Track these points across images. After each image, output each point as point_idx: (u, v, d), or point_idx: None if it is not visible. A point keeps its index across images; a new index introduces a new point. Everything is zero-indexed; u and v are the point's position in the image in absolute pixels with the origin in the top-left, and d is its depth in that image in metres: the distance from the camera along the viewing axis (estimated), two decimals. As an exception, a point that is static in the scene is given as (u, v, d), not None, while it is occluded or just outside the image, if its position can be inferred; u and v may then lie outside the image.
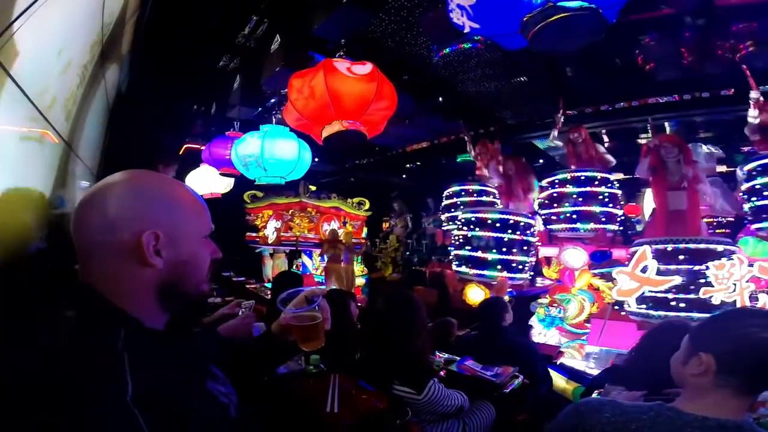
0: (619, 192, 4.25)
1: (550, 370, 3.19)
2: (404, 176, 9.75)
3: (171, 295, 0.71)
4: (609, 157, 4.47)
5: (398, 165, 8.92)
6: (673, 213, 3.48)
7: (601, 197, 4.10)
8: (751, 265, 2.89)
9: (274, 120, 4.00)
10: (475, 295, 4.11)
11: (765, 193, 3.41)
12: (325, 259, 6.79)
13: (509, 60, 4.51)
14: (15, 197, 1.31)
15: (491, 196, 5.48)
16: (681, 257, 2.87)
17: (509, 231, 4.05)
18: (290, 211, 6.80)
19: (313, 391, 1.42)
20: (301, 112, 2.60)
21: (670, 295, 2.85)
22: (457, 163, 8.52)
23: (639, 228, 6.81)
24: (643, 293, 2.97)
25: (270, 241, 6.92)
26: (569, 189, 4.20)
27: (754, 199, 3.50)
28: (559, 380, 3.06)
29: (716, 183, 4.19)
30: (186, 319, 0.79)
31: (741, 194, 3.68)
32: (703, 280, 2.78)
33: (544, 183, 4.54)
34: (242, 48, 4.66)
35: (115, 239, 0.65)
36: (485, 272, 4.09)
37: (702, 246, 2.87)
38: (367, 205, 7.38)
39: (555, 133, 4.81)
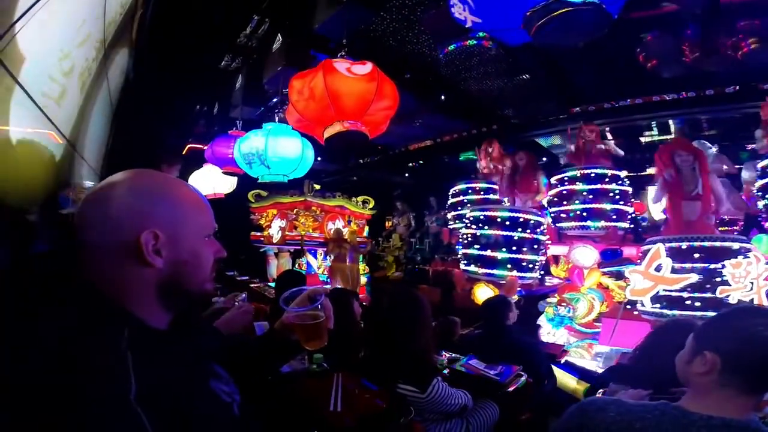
0: (630, 189, 4.18)
1: (559, 370, 3.18)
2: (407, 175, 9.75)
3: (173, 294, 0.71)
4: (618, 149, 4.41)
5: (401, 164, 8.91)
6: (687, 223, 3.40)
7: (611, 194, 4.04)
8: (767, 263, 2.83)
9: (276, 119, 4.00)
10: (483, 294, 4.06)
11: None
12: (328, 258, 6.80)
13: (512, 58, 4.49)
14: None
15: (498, 194, 5.45)
16: (696, 255, 2.82)
17: (519, 229, 3.98)
18: (295, 210, 6.80)
19: (316, 390, 1.42)
20: (301, 113, 2.59)
21: (685, 294, 2.81)
22: (460, 162, 8.51)
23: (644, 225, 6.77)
24: (658, 292, 2.92)
25: (275, 241, 6.91)
26: (579, 186, 4.13)
27: (768, 196, 3.44)
28: (569, 380, 3.03)
29: (724, 184, 4.17)
30: (189, 318, 0.79)
31: (756, 192, 3.61)
32: (719, 279, 2.74)
33: (552, 180, 4.47)
34: (244, 47, 4.67)
35: (116, 238, 0.65)
36: (495, 271, 4.02)
37: (717, 244, 2.82)
38: (372, 204, 7.37)
39: (572, 147, 4.69)
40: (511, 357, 2.26)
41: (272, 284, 6.54)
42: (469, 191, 5.69)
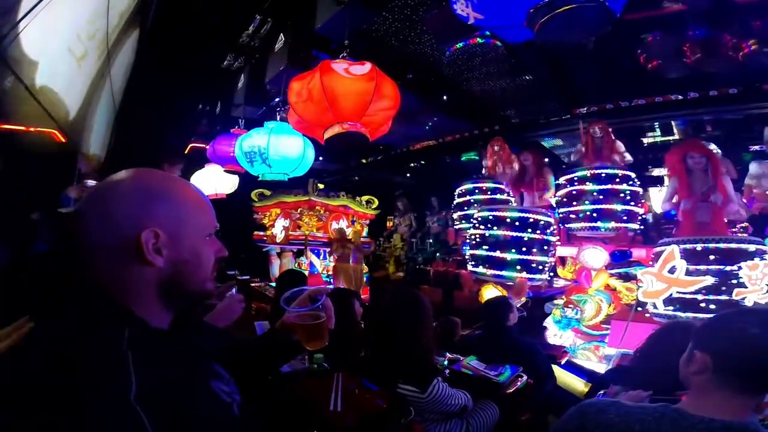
0: (641, 190, 4.09)
1: (567, 372, 3.17)
2: (408, 175, 9.75)
3: (174, 294, 0.70)
4: (628, 155, 4.34)
5: (402, 164, 8.92)
6: (699, 225, 3.35)
7: (622, 195, 3.95)
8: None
9: (278, 117, 4.00)
10: (491, 296, 3.92)
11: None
12: (328, 257, 6.78)
13: (514, 58, 4.48)
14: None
15: (506, 194, 5.37)
16: (711, 257, 2.77)
17: (529, 230, 3.91)
18: (299, 210, 6.76)
19: (316, 390, 1.42)
20: (301, 115, 2.58)
21: (699, 297, 2.76)
22: (462, 162, 8.51)
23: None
24: (671, 294, 2.88)
25: (278, 240, 6.88)
26: (589, 186, 4.04)
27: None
28: (577, 383, 3.01)
29: None
30: (190, 318, 0.79)
31: None
32: (735, 281, 2.69)
33: (561, 180, 4.39)
34: (246, 47, 4.68)
35: (116, 237, 0.65)
36: (503, 273, 3.94)
37: (733, 245, 2.77)
38: (376, 204, 7.34)
39: (582, 148, 4.62)
40: (511, 358, 2.26)
41: (274, 284, 6.54)
42: (476, 191, 5.59)
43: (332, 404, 1.33)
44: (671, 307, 2.88)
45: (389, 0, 3.57)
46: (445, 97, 5.59)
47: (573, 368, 3.34)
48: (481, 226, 4.16)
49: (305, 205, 6.71)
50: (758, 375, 0.85)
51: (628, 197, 3.98)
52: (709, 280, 2.74)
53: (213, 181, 5.37)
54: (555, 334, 4.00)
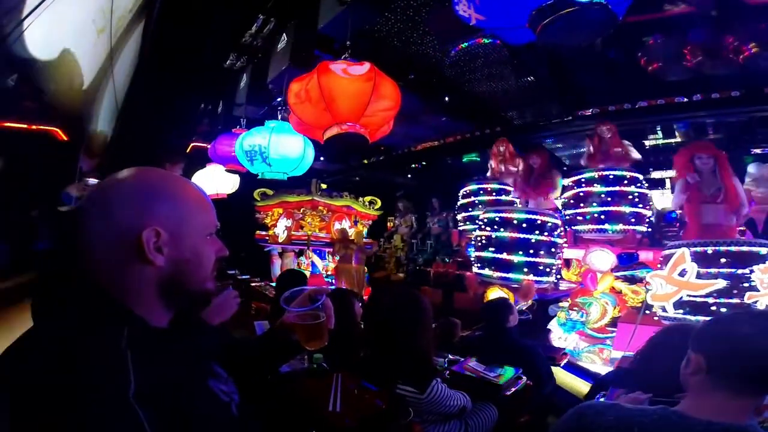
0: (649, 192, 4.07)
1: (572, 375, 3.16)
2: (409, 176, 9.75)
3: (174, 293, 0.70)
4: (635, 152, 4.29)
5: (403, 164, 8.92)
6: (706, 227, 3.32)
7: (630, 197, 3.93)
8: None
9: (279, 117, 4.00)
10: None
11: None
12: (328, 257, 6.77)
13: (516, 59, 4.48)
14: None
15: (511, 195, 5.34)
16: (723, 260, 2.75)
17: (536, 231, 3.87)
18: (301, 210, 6.75)
19: (315, 390, 1.42)
20: (300, 116, 2.58)
21: (710, 300, 2.74)
22: (463, 163, 8.51)
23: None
24: (681, 298, 2.86)
25: (280, 240, 6.87)
26: (597, 188, 4.01)
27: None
28: (580, 385, 3.00)
29: None
30: (189, 317, 0.79)
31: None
32: (746, 285, 2.67)
33: (568, 182, 4.37)
34: (249, 47, 4.68)
35: (117, 236, 0.65)
36: (510, 275, 3.91)
37: (745, 249, 2.75)
38: (379, 204, 7.33)
39: (591, 149, 4.52)
40: (511, 359, 2.26)
41: (274, 284, 6.54)
42: (481, 192, 5.57)
43: (331, 404, 1.33)
44: (681, 311, 2.87)
45: (392, 0, 3.57)
46: (447, 98, 5.58)
47: (576, 370, 3.34)
48: (487, 228, 4.12)
49: (308, 205, 6.70)
50: (751, 375, 0.85)
51: (637, 199, 3.94)
52: (721, 284, 2.71)
53: (214, 181, 5.38)
54: (559, 337, 3.99)
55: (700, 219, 3.38)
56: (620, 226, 3.93)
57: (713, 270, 2.77)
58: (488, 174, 5.66)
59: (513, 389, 2.04)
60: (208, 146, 5.04)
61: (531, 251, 3.85)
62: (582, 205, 4.10)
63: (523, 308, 4.14)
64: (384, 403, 1.43)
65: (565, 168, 7.14)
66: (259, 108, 5.09)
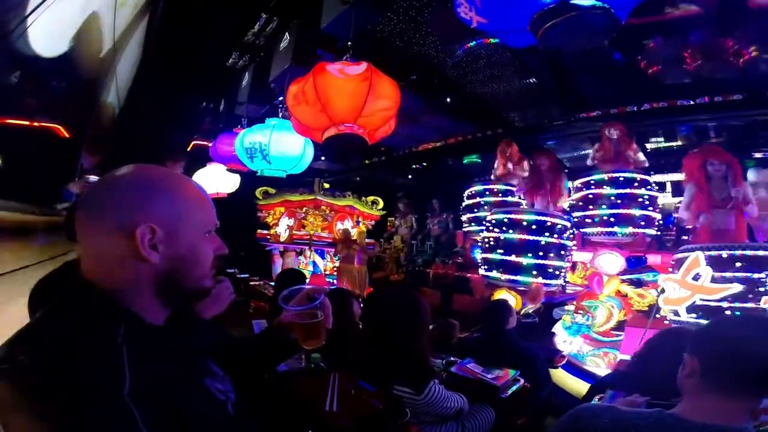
0: (659, 195, 4.02)
1: (578, 379, 3.15)
2: (410, 176, 9.75)
3: (171, 291, 0.70)
4: (643, 157, 4.24)
5: (404, 165, 8.92)
6: (717, 232, 3.31)
7: (640, 200, 3.86)
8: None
9: (280, 115, 4.01)
10: None
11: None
12: (326, 257, 6.76)
13: (519, 61, 4.48)
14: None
15: (517, 197, 5.29)
16: (738, 264, 2.73)
17: (546, 233, 3.80)
18: (304, 209, 6.72)
19: (312, 389, 1.43)
20: (298, 118, 2.57)
21: (725, 304, 2.72)
22: (464, 165, 8.50)
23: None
24: (694, 302, 2.84)
25: (282, 239, 6.84)
26: (606, 190, 3.94)
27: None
28: (584, 389, 3.00)
29: None
30: (185, 315, 0.79)
31: None
32: (762, 289, 2.65)
33: (577, 183, 4.30)
34: (252, 45, 4.69)
35: (113, 232, 0.65)
36: (519, 278, 3.84)
37: (761, 253, 2.73)
38: (381, 204, 7.30)
39: (598, 153, 4.46)
40: (509, 361, 2.26)
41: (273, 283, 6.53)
42: (487, 193, 5.49)
43: (328, 404, 1.34)
44: (694, 315, 2.84)
45: (394, 0, 3.57)
46: (448, 99, 5.58)
47: (578, 372, 3.33)
48: (495, 229, 4.05)
49: (310, 204, 6.67)
50: (745, 377, 0.86)
51: (647, 202, 3.88)
52: (736, 288, 2.69)
53: (215, 180, 5.38)
54: (564, 340, 3.95)
55: (711, 224, 3.35)
56: (630, 229, 3.87)
57: (728, 274, 2.74)
58: (493, 176, 5.58)
59: (510, 391, 2.04)
60: (210, 144, 5.05)
61: (540, 253, 3.79)
62: (591, 207, 4.03)
63: (530, 311, 4.12)
64: (381, 403, 1.43)
65: (566, 170, 7.13)
66: (260, 107, 5.10)
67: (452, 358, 2.34)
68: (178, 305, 0.75)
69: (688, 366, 0.92)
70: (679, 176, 4.24)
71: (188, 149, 5.98)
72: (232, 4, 3.93)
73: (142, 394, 0.56)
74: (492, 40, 4.16)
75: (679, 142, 6.11)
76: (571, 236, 4.08)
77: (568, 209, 4.50)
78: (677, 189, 5.83)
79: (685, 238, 5.33)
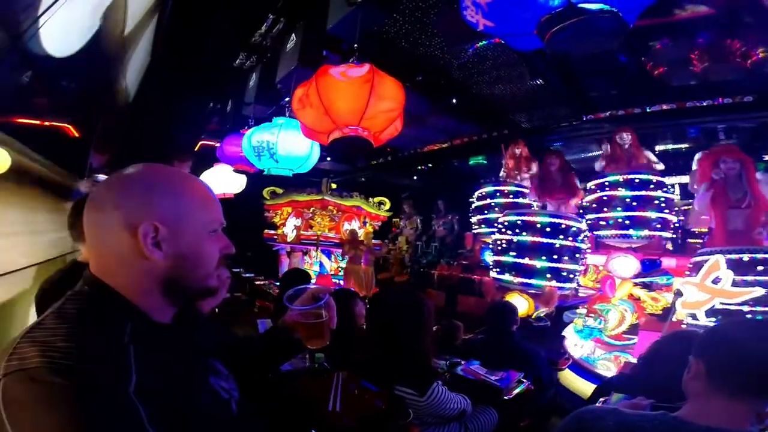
0: (675, 197, 4.00)
1: (583, 380, 3.12)
2: (415, 177, 9.74)
3: (175, 289, 0.70)
4: (657, 161, 4.15)
5: (409, 166, 8.91)
6: (733, 233, 3.25)
7: (656, 202, 3.79)
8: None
9: (287, 114, 4.03)
10: (517, 305, 3.69)
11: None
12: (331, 257, 6.76)
13: (525, 62, 4.46)
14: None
15: (528, 198, 5.19)
16: (759, 268, 2.70)
17: (560, 236, 3.74)
18: (311, 209, 6.72)
19: (315, 389, 1.43)
20: (303, 121, 2.59)
21: (745, 308, 2.70)
22: (470, 166, 8.48)
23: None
24: (714, 306, 2.81)
25: (289, 239, 6.84)
26: (621, 192, 3.87)
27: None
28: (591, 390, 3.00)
29: None
30: (190, 313, 0.79)
31: None
32: None
33: (590, 185, 4.22)
34: (259, 46, 4.72)
35: (118, 230, 0.66)
36: (532, 281, 3.79)
37: None
38: (388, 205, 7.29)
39: (603, 163, 4.39)
40: (513, 363, 2.25)
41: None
42: (497, 194, 5.43)
43: (331, 404, 1.34)
44: (713, 319, 2.81)
45: (400, 2, 3.57)
46: (454, 100, 5.56)
47: (589, 375, 3.31)
48: (508, 231, 3.99)
49: (318, 205, 6.66)
50: (750, 380, 0.85)
51: (663, 204, 3.80)
52: (759, 291, 2.65)
53: (221, 181, 5.42)
54: (575, 344, 3.92)
55: (725, 224, 3.30)
56: (645, 232, 3.79)
57: (749, 278, 2.71)
58: (501, 173, 5.51)
59: (514, 393, 2.03)
60: (217, 145, 5.08)
61: (554, 256, 3.73)
62: (605, 209, 3.95)
63: (542, 315, 4.09)
64: (383, 403, 1.43)
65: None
66: (267, 107, 5.12)
67: (456, 360, 2.34)
68: (184, 304, 0.75)
69: (694, 369, 0.92)
70: (687, 179, 4.16)
71: (195, 149, 6.02)
72: (240, 5, 3.96)
73: (148, 391, 0.57)
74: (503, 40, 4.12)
75: (687, 144, 6.05)
76: (585, 239, 4.02)
77: (581, 211, 4.42)
78: (685, 191, 5.77)
79: (691, 241, 5.28)
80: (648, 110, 5.11)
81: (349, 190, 7.28)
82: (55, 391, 0.52)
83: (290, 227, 6.95)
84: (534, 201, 5.01)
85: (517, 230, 3.92)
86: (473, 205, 5.79)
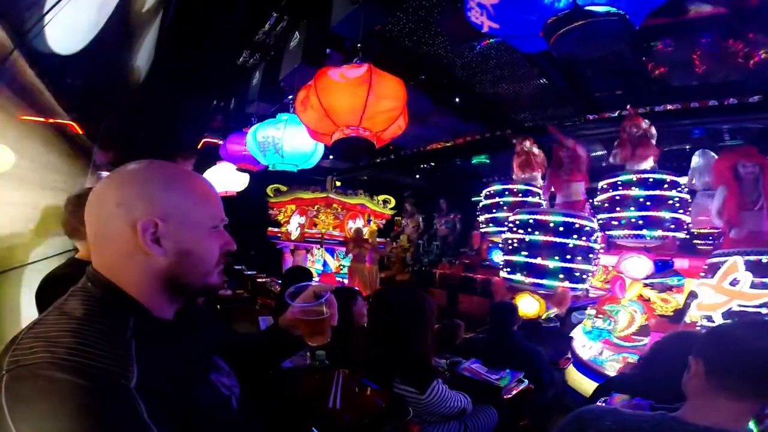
0: (689, 197, 3.88)
1: (590, 380, 3.10)
2: (417, 176, 9.73)
3: (176, 286, 0.71)
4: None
5: (412, 165, 8.91)
6: (749, 235, 3.20)
7: (670, 202, 3.71)
8: None
9: (291, 110, 4.03)
10: (527, 305, 3.74)
11: None
12: (335, 256, 6.76)
13: (529, 61, 4.44)
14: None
15: (537, 197, 5.16)
16: None
17: (574, 236, 3.67)
18: (315, 207, 6.71)
19: (316, 386, 1.44)
20: (306, 124, 2.60)
21: (764, 310, 2.68)
22: (472, 165, 8.46)
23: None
24: (731, 308, 2.79)
25: (293, 237, 6.83)
26: (635, 192, 3.79)
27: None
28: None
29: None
30: (191, 309, 0.80)
31: None
32: None
33: (602, 184, 4.15)
34: (262, 44, 4.72)
35: (118, 226, 0.66)
36: (544, 281, 3.72)
37: None
38: (393, 203, 7.27)
39: (617, 159, 4.31)
40: (514, 362, 2.26)
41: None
42: (506, 193, 5.35)
43: (331, 402, 1.35)
44: (730, 321, 2.74)
45: (404, 0, 3.56)
46: (457, 99, 5.55)
47: (597, 376, 3.30)
48: (520, 230, 3.91)
49: (322, 203, 6.64)
50: (748, 380, 0.85)
51: (677, 204, 3.73)
52: None
53: (224, 179, 5.43)
54: (583, 345, 3.88)
55: (742, 227, 3.26)
56: (659, 232, 3.71)
57: None
58: (514, 163, 5.42)
59: (514, 392, 2.03)
60: (220, 142, 5.10)
61: (567, 256, 3.66)
62: (618, 209, 3.86)
63: (552, 316, 4.06)
64: (383, 401, 1.44)
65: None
66: (270, 105, 5.12)
67: (457, 359, 2.34)
68: (184, 300, 0.75)
69: (693, 368, 0.92)
70: (686, 178, 4.13)
71: (198, 147, 6.04)
72: (243, 2, 3.96)
73: (150, 387, 0.57)
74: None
75: (691, 145, 6.02)
76: (599, 239, 3.96)
77: (592, 210, 4.34)
78: (689, 191, 5.74)
79: (697, 242, 5.24)
80: (652, 110, 5.07)
81: (351, 188, 7.27)
82: (59, 387, 0.52)
83: (294, 225, 6.93)
84: (544, 201, 4.97)
85: (529, 229, 3.84)
86: (481, 204, 5.70)
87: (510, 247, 4.01)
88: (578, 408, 1.04)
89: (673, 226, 3.73)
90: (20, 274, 1.77)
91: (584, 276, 3.77)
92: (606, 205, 4.02)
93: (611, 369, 3.40)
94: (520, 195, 5.23)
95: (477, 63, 4.59)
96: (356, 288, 4.75)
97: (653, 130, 4.08)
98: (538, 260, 3.73)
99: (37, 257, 1.88)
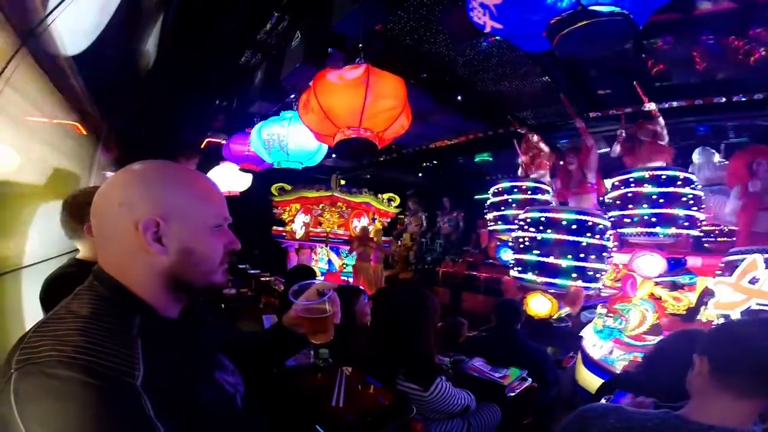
0: (702, 194, 3.81)
1: (594, 375, 3.08)
2: (420, 174, 9.72)
3: (180, 285, 0.71)
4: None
5: (414, 163, 8.90)
6: (763, 234, 3.21)
7: (684, 199, 3.64)
8: None
9: (294, 107, 4.04)
10: (539, 305, 3.66)
11: None
12: (339, 256, 6.75)
13: (531, 60, 4.43)
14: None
15: (546, 194, 5.07)
16: None
17: (587, 234, 3.60)
18: (320, 206, 6.67)
19: (320, 385, 1.45)
20: (308, 126, 2.61)
21: None
22: (475, 163, 8.45)
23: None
24: (750, 306, 2.75)
25: (298, 236, 6.80)
26: (648, 189, 3.72)
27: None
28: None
29: (723, 191, 3.97)
30: (195, 308, 0.80)
31: None
32: None
33: (614, 181, 4.08)
34: (264, 44, 4.73)
35: (121, 225, 0.67)
36: (557, 281, 3.65)
37: None
38: (397, 201, 7.24)
39: (617, 148, 4.30)
40: (517, 360, 2.25)
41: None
42: (515, 190, 5.24)
43: (334, 400, 1.35)
44: (735, 318, 2.74)
45: (405, -1, 3.56)
46: (459, 97, 5.53)
47: (606, 375, 3.29)
48: (531, 229, 3.83)
49: (327, 201, 6.60)
50: (753, 377, 0.84)
51: (691, 201, 3.66)
52: None
53: (226, 179, 5.44)
54: (594, 344, 3.84)
55: (751, 226, 3.26)
56: (672, 230, 3.65)
57: None
58: (521, 158, 5.38)
59: (517, 390, 2.03)
60: (223, 141, 5.12)
61: (581, 255, 3.59)
62: (630, 206, 3.80)
63: (563, 315, 4.03)
64: (387, 399, 1.44)
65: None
66: (272, 104, 5.13)
67: (460, 357, 2.35)
68: (189, 299, 0.76)
69: (697, 366, 0.91)
70: (694, 175, 4.09)
71: (201, 146, 6.06)
72: (245, 2, 3.97)
73: (155, 384, 0.58)
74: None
75: (697, 142, 5.98)
76: (611, 237, 3.89)
77: (604, 207, 4.29)
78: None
79: (705, 240, 5.21)
80: (658, 107, 5.03)
81: (355, 186, 7.27)
82: (66, 385, 0.53)
83: (299, 224, 6.92)
84: (553, 198, 4.94)
85: (541, 227, 3.76)
86: (488, 201, 5.60)
87: (521, 246, 3.93)
88: (581, 404, 1.03)
89: (686, 224, 3.67)
90: (21, 274, 1.79)
91: (597, 275, 3.70)
92: (618, 202, 3.95)
93: (622, 368, 3.38)
94: (530, 192, 5.13)
95: (479, 61, 4.58)
96: (360, 287, 4.76)
97: (665, 133, 4.02)
98: (551, 259, 3.66)
99: (38, 258, 1.90)
